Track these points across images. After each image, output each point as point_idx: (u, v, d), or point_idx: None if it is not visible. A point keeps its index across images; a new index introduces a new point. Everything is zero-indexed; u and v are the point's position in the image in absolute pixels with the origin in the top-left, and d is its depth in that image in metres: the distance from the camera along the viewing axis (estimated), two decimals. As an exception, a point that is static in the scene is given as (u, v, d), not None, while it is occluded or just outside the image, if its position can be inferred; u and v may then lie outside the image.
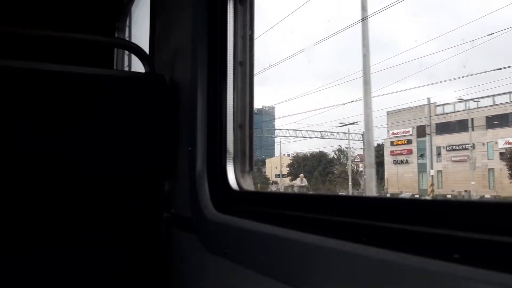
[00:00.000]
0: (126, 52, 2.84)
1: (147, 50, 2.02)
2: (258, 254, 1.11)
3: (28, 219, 1.57)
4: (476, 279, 0.56)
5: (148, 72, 1.84)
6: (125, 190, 1.72)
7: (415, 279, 0.65)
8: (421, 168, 23.94)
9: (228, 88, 1.53)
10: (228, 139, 1.51)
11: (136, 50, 1.87)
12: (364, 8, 11.82)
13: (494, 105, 17.96)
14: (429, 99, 21.64)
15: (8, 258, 1.53)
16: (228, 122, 1.52)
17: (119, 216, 1.70)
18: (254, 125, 1.56)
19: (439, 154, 21.86)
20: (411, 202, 0.77)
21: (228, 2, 1.55)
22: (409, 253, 0.67)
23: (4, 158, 1.53)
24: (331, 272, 0.84)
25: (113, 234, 1.68)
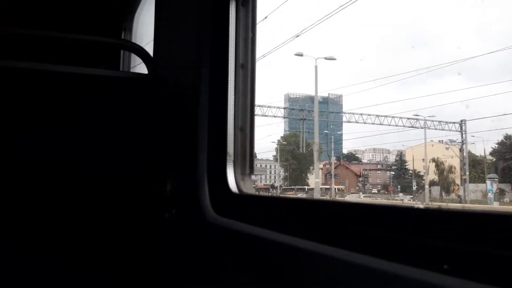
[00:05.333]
0: (132, 54, 2.85)
1: (151, 52, 2.03)
2: (257, 260, 1.10)
3: (25, 221, 1.58)
4: None
5: (151, 74, 1.85)
6: (125, 191, 1.72)
7: None
8: None
9: (229, 91, 1.53)
10: (228, 141, 1.51)
11: (140, 51, 1.88)
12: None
13: None
14: None
15: (6, 260, 1.54)
16: (229, 125, 1.52)
17: (119, 217, 1.70)
18: (254, 127, 1.56)
19: None
20: (404, 211, 0.76)
21: (231, 4, 1.55)
22: (400, 262, 0.66)
23: (4, 159, 1.54)
24: (328, 280, 0.84)
25: (113, 235, 1.69)
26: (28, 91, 1.59)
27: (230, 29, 1.54)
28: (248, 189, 1.45)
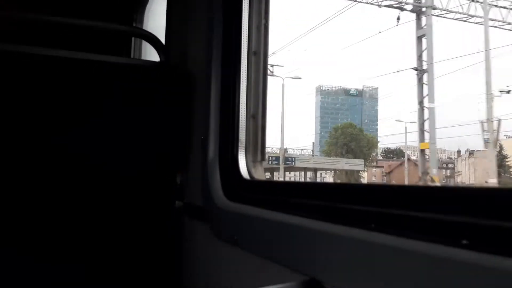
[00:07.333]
0: (144, 42, 2.86)
1: (163, 40, 2.03)
2: (268, 242, 1.11)
3: (42, 214, 1.59)
4: (484, 265, 0.55)
5: (163, 62, 1.85)
6: (138, 180, 1.73)
7: (423, 265, 0.64)
8: None
9: (241, 78, 1.53)
10: (240, 129, 1.50)
11: (152, 39, 1.89)
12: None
13: None
14: None
15: (20, 257, 1.54)
16: (240, 112, 1.52)
17: (132, 206, 1.71)
18: (266, 115, 1.56)
19: None
20: (419, 189, 0.75)
21: None
22: (417, 239, 0.66)
23: (17, 150, 1.55)
24: (340, 259, 0.83)
25: (126, 224, 1.70)
26: (41, 77, 1.60)
27: (243, 16, 1.53)
28: (260, 175, 1.45)
